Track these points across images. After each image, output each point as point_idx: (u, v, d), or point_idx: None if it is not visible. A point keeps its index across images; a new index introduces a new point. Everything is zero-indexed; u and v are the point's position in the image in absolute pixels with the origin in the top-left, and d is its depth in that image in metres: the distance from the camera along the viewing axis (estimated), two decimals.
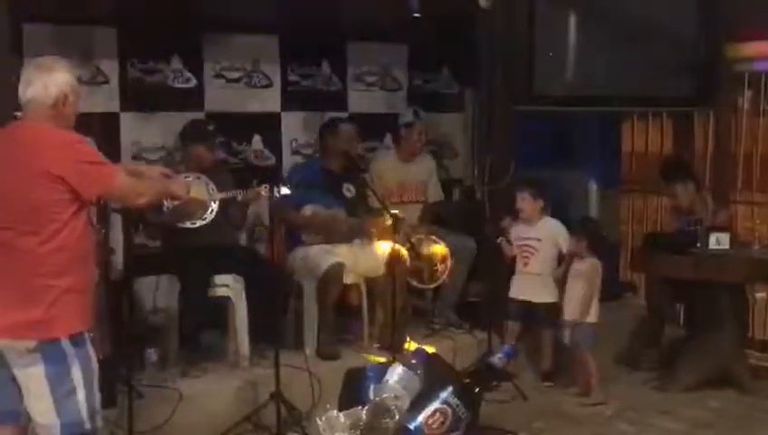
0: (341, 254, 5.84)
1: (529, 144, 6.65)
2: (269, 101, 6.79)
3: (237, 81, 6.62)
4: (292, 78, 6.88)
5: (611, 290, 6.46)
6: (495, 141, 6.44)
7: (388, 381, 2.34)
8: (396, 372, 2.43)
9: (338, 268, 5.70)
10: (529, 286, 5.89)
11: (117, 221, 5.26)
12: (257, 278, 5.45)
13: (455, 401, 2.26)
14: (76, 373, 3.47)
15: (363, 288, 5.96)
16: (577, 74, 6.33)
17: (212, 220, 5.31)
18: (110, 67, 6.04)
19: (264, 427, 4.94)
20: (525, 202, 5.83)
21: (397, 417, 2.33)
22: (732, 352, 5.91)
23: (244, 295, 5.45)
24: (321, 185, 6.04)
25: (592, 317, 5.60)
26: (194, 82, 6.43)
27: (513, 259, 5.96)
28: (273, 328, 5.18)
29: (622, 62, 6.32)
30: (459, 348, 5.89)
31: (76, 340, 3.47)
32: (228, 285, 5.44)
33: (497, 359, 2.13)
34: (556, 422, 5.23)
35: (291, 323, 5.84)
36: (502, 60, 6.25)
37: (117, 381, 4.79)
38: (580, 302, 5.57)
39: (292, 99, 6.86)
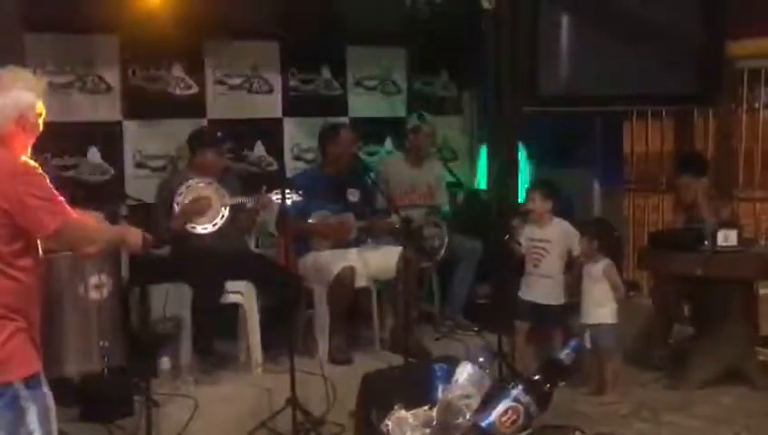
0: (352, 258, 5.82)
1: (533, 144, 6.66)
2: (270, 106, 6.78)
3: (238, 87, 6.61)
4: (293, 83, 6.88)
5: None
6: (502, 143, 6.43)
7: (457, 380, 2.32)
8: (465, 371, 2.41)
9: (348, 272, 5.69)
10: (538, 288, 5.86)
11: None
12: (269, 284, 5.43)
13: (526, 398, 2.23)
14: (32, 417, 3.15)
15: (374, 292, 5.93)
16: (579, 74, 6.35)
17: (222, 227, 5.30)
18: (112, 75, 6.03)
19: (279, 433, 4.90)
20: (536, 202, 5.80)
21: (468, 416, 2.30)
22: (742, 349, 5.91)
23: (256, 302, 5.43)
24: (324, 192, 6.02)
25: (612, 318, 5.58)
26: (195, 89, 6.41)
27: (523, 260, 5.94)
28: (285, 334, 5.14)
29: (624, 62, 6.34)
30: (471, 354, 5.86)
31: (30, 382, 3.16)
32: (240, 292, 5.42)
33: (564, 354, 2.11)
34: (573, 422, 5.21)
35: (302, 328, 5.81)
36: (506, 61, 6.25)
37: (132, 390, 4.76)
38: (597, 304, 5.55)
39: (293, 104, 6.86)
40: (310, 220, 5.94)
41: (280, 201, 5.14)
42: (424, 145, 6.68)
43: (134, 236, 3.51)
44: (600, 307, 5.54)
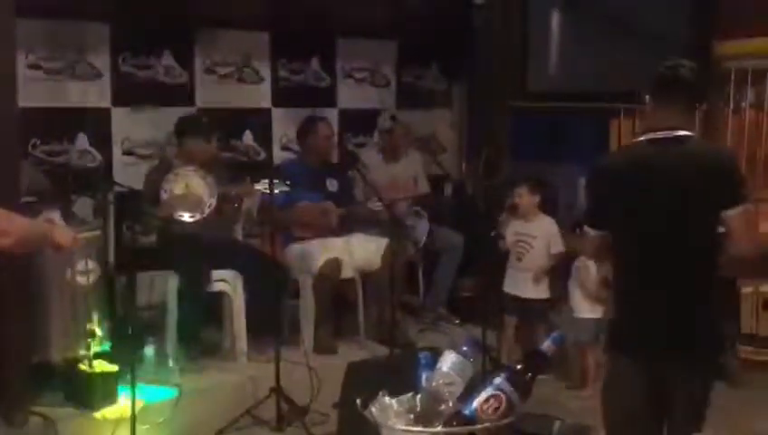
0: (337, 249, 5.85)
1: (520, 140, 6.68)
2: (259, 96, 6.79)
3: (228, 76, 6.62)
4: (283, 74, 6.89)
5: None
6: (489, 137, 6.46)
7: (441, 367, 2.35)
8: (449, 359, 2.43)
9: (334, 263, 5.72)
10: (522, 282, 5.89)
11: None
12: (255, 273, 5.45)
13: (508, 387, 2.26)
14: None
15: (359, 282, 5.96)
16: (568, 70, 6.38)
17: (208, 215, 5.31)
18: (103, 62, 6.03)
19: (263, 421, 4.93)
20: (523, 197, 5.84)
21: (451, 403, 2.33)
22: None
23: (241, 291, 5.44)
24: (304, 183, 6.04)
25: (592, 312, 5.62)
26: (185, 77, 6.42)
27: (506, 254, 5.98)
28: (270, 323, 5.17)
29: (612, 59, 6.37)
30: (456, 345, 5.89)
31: None
32: (226, 281, 5.44)
33: (546, 346, 2.13)
34: (553, 414, 5.24)
35: (287, 318, 5.83)
36: (496, 56, 6.28)
37: (118, 376, 4.78)
38: (579, 297, 5.60)
39: (282, 94, 6.87)
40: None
41: (265, 191, 5.15)
42: (399, 144, 6.72)
43: (63, 233, 3.34)
44: (581, 301, 5.60)
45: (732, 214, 3.28)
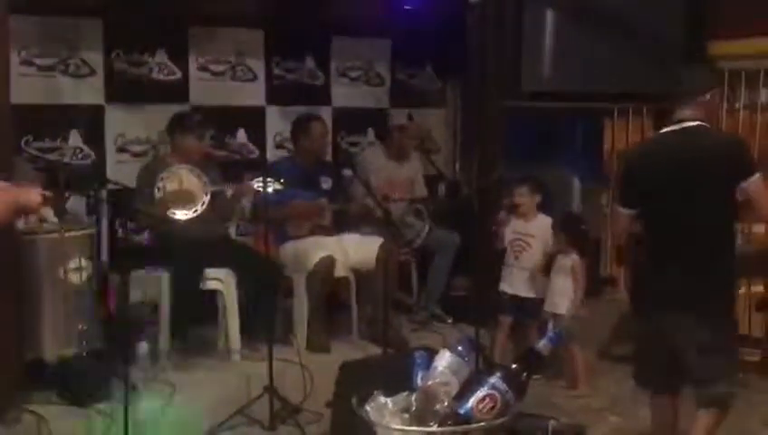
0: (331, 247, 5.84)
1: (514, 140, 6.68)
2: (253, 94, 6.78)
3: (222, 74, 6.60)
4: (277, 72, 6.87)
5: (592, 285, 6.51)
6: (484, 137, 6.46)
7: (436, 367, 2.35)
8: (444, 359, 2.43)
9: (328, 262, 5.71)
10: (519, 281, 5.93)
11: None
12: (248, 271, 5.44)
13: (503, 386, 2.26)
14: None
15: (353, 281, 5.95)
16: (562, 71, 6.38)
17: (202, 213, 5.29)
18: (96, 59, 6.00)
19: (256, 420, 4.92)
20: (524, 197, 5.86)
21: (446, 402, 2.33)
22: None
23: (235, 289, 5.43)
24: (298, 181, 6.02)
25: (569, 311, 5.65)
26: (178, 74, 6.40)
27: (502, 253, 5.99)
28: (263, 321, 5.16)
29: (607, 60, 6.39)
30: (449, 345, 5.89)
31: None
32: (220, 279, 5.42)
33: (542, 345, 2.13)
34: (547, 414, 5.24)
35: (281, 316, 5.81)
36: (490, 55, 6.27)
37: (110, 374, 4.76)
38: (561, 296, 5.63)
39: (276, 93, 6.86)
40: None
41: (259, 189, 5.14)
42: (408, 144, 6.70)
43: (27, 196, 3.17)
44: (561, 298, 5.62)
45: (749, 182, 3.97)
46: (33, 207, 3.16)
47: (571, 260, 5.66)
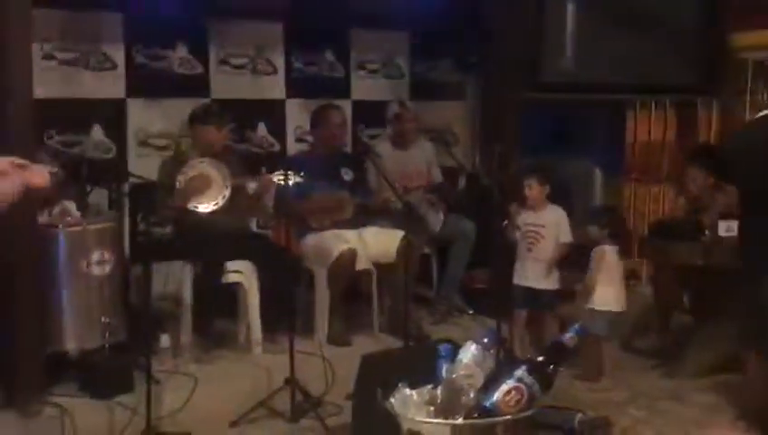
0: (353, 240, 5.83)
1: (535, 131, 6.66)
2: (273, 87, 6.79)
3: (242, 67, 6.62)
4: (297, 65, 6.88)
5: None
6: (503, 129, 6.44)
7: (461, 359, 2.34)
8: (469, 351, 2.42)
9: (349, 255, 5.70)
10: (532, 272, 5.88)
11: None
12: (269, 264, 5.45)
13: (530, 379, 2.25)
14: None
15: (374, 274, 5.95)
16: (583, 62, 6.35)
17: (223, 206, 5.30)
18: (117, 53, 6.02)
19: (277, 412, 4.93)
20: (532, 188, 5.83)
21: (471, 395, 2.32)
22: None
23: (256, 281, 5.44)
24: (318, 173, 6.01)
25: (615, 304, 5.62)
26: (199, 68, 6.42)
27: (516, 245, 5.97)
28: (284, 314, 5.16)
29: (628, 51, 6.36)
30: (471, 337, 5.88)
31: None
32: (241, 271, 5.43)
33: (568, 338, 2.12)
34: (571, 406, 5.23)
35: (302, 309, 5.82)
36: (510, 47, 6.25)
37: (133, 367, 4.78)
38: (602, 288, 5.60)
39: (295, 86, 6.87)
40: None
41: (280, 182, 5.15)
42: (408, 130, 6.65)
43: (32, 175, 2.99)
44: (608, 294, 5.59)
45: None
46: (41, 185, 3.00)
47: (615, 254, 5.64)
